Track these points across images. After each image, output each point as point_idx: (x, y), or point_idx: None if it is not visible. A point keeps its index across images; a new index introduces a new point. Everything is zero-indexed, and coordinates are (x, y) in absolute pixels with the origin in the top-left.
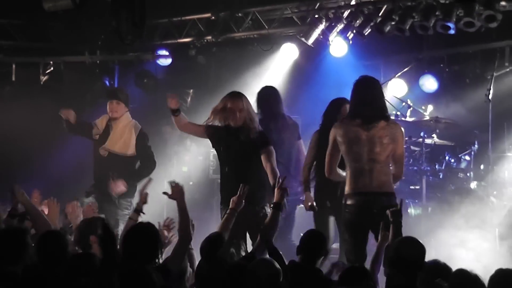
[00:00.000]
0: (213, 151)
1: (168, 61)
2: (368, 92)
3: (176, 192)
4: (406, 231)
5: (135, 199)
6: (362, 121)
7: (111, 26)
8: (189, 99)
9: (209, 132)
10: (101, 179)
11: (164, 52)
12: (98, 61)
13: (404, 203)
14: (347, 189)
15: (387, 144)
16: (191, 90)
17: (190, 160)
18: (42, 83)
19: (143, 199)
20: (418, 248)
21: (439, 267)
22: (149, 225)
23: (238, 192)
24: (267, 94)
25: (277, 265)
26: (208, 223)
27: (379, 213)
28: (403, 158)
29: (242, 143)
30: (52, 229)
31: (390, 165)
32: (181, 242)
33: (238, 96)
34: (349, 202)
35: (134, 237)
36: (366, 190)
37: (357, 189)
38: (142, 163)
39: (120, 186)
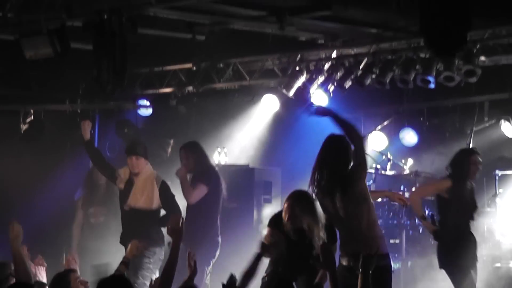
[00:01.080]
0: None
1: (149, 111)
2: None
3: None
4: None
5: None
6: None
7: (92, 75)
8: (169, 149)
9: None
10: (125, 234)
11: (145, 102)
12: (78, 110)
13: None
14: None
15: None
16: (172, 140)
17: None
18: (22, 131)
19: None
20: None
21: None
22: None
23: None
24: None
25: None
26: None
27: None
28: None
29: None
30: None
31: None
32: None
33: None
34: None
35: None
36: None
37: None
38: (167, 214)
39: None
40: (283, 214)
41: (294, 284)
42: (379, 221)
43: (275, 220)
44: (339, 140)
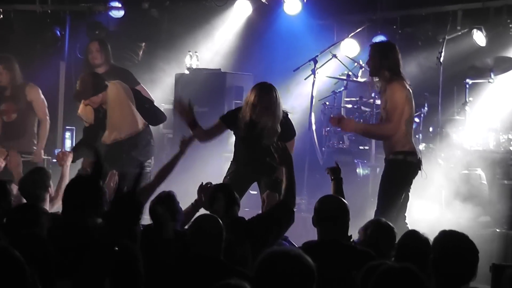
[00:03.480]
0: (164, 105)
1: (121, 13)
2: None
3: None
4: (354, 191)
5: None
6: None
7: None
8: (140, 53)
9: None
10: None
11: (116, 4)
12: (49, 11)
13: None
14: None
15: None
16: (143, 44)
17: None
18: None
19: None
20: (337, 204)
21: (382, 227)
22: (90, 178)
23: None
24: None
25: (220, 221)
26: None
27: None
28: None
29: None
30: None
31: None
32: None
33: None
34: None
35: (74, 189)
36: None
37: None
38: (150, 118)
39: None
40: (250, 104)
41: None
42: None
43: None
44: None
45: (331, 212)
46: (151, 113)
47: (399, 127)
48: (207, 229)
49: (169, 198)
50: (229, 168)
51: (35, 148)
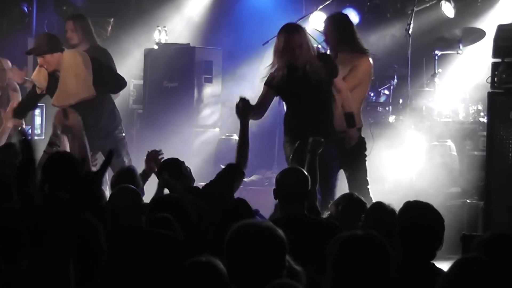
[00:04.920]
0: (134, 81)
1: None
2: None
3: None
4: None
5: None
6: None
7: None
8: (109, 28)
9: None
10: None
11: None
12: None
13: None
14: None
15: None
16: (112, 19)
17: None
18: None
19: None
20: (299, 179)
21: (353, 201)
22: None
23: None
24: None
25: (136, 189)
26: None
27: None
28: None
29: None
30: None
31: None
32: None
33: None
34: None
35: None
36: None
37: None
38: (109, 85)
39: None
40: (281, 50)
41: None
42: None
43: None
44: None
45: (297, 190)
46: (111, 80)
47: (354, 102)
48: (120, 200)
49: (129, 173)
50: (287, 147)
51: None
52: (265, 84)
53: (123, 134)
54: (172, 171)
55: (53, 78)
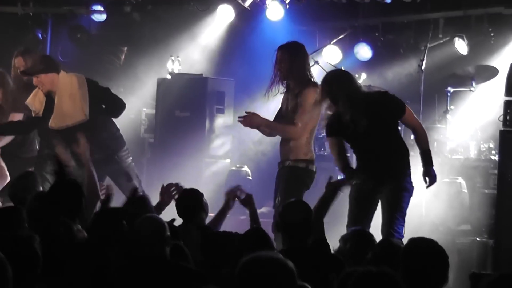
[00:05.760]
0: (146, 110)
1: (103, 16)
2: None
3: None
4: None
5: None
6: None
7: None
8: (122, 57)
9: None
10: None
11: (98, 7)
12: (31, 13)
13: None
14: None
15: None
16: (125, 48)
17: (120, 118)
18: None
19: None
20: (300, 211)
21: (363, 236)
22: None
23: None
24: None
25: (161, 221)
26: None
27: None
28: None
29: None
30: None
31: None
32: (88, 200)
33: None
34: None
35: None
36: None
37: None
38: (108, 107)
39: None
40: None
41: None
42: None
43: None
44: None
45: (299, 222)
46: (110, 104)
47: (304, 132)
48: (146, 229)
49: (141, 201)
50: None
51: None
52: (328, 136)
53: (130, 157)
54: (193, 202)
55: (50, 100)
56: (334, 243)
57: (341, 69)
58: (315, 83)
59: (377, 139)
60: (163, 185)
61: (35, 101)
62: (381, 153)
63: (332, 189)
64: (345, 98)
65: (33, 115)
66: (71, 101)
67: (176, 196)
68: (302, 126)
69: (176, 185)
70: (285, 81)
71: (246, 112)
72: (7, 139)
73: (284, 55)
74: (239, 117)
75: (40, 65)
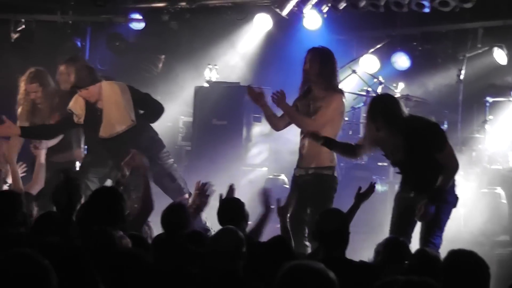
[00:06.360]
0: (183, 118)
1: (141, 25)
2: None
3: (137, 161)
4: (372, 208)
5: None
6: None
7: None
8: (160, 65)
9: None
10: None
11: (137, 16)
12: (70, 22)
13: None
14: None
15: None
16: (163, 56)
17: (158, 126)
18: (12, 40)
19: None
20: (336, 220)
21: (396, 244)
22: (112, 189)
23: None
24: None
25: (240, 235)
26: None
27: None
28: None
29: None
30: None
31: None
32: (142, 210)
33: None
34: None
35: (96, 200)
36: None
37: None
38: (147, 112)
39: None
40: None
41: None
42: None
43: None
44: None
45: (335, 231)
46: (149, 108)
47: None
48: (222, 243)
49: (180, 208)
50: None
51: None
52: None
53: (171, 159)
54: (235, 212)
55: (93, 110)
56: (371, 253)
57: (388, 95)
58: (341, 91)
59: (413, 168)
60: (197, 184)
61: (77, 107)
62: (418, 174)
63: (361, 199)
64: (387, 128)
65: (75, 120)
66: (117, 108)
67: (211, 194)
68: (319, 124)
69: (208, 184)
70: (307, 84)
71: (278, 91)
72: (54, 140)
73: (315, 57)
74: (273, 93)
75: (87, 78)
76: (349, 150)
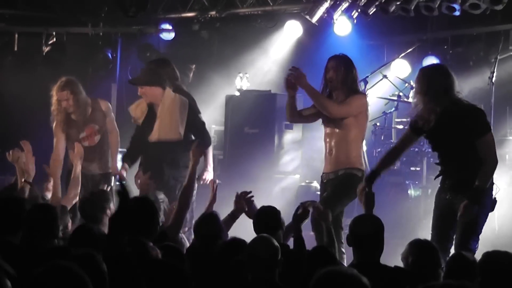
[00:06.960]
0: (215, 127)
1: (171, 35)
2: None
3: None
4: (405, 213)
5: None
6: None
7: None
8: (191, 74)
9: None
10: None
11: (167, 26)
12: (101, 33)
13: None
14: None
15: None
16: (194, 65)
17: None
18: (44, 53)
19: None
20: (371, 225)
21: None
22: (145, 199)
23: None
24: None
25: (276, 243)
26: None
27: None
28: None
29: None
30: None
31: None
32: (179, 210)
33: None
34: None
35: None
36: None
37: None
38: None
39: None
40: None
41: None
42: None
43: None
44: None
45: (368, 235)
46: (199, 137)
47: (340, 117)
48: (260, 251)
49: (212, 217)
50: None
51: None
52: (409, 126)
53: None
54: (272, 220)
55: (151, 113)
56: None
57: (445, 66)
58: (364, 93)
59: (453, 156)
60: (237, 193)
61: (136, 110)
62: (455, 165)
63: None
64: (434, 96)
65: (132, 121)
66: (169, 117)
67: (251, 200)
68: (343, 111)
69: (249, 192)
70: (326, 92)
71: (294, 67)
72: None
73: (339, 65)
74: (289, 69)
75: (145, 77)
76: (389, 161)
